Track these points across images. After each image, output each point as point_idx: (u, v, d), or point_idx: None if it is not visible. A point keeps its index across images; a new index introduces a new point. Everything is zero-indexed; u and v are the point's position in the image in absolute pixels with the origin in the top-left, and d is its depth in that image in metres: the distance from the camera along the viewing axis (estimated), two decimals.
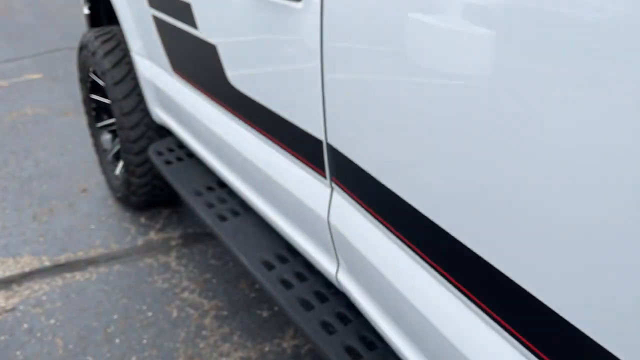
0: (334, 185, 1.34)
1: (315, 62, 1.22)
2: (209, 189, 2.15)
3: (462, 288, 0.96)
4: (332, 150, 1.28)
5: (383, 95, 1.05)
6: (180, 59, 2.07)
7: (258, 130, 1.62)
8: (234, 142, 1.78)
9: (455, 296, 0.99)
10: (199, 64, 1.91)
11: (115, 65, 2.56)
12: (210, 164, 2.06)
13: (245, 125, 1.69)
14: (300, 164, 1.45)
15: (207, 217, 1.93)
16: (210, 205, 2.01)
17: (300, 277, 1.64)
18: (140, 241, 2.76)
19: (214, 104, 1.87)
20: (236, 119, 1.74)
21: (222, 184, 2.18)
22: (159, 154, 2.42)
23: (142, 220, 2.92)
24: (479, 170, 0.84)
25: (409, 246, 1.10)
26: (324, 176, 1.35)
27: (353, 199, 1.28)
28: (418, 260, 1.08)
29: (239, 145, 1.75)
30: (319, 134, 1.30)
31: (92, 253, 2.67)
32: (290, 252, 1.74)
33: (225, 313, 2.31)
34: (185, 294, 2.41)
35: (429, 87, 0.92)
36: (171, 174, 2.25)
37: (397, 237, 1.13)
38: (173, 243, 2.75)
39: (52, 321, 2.27)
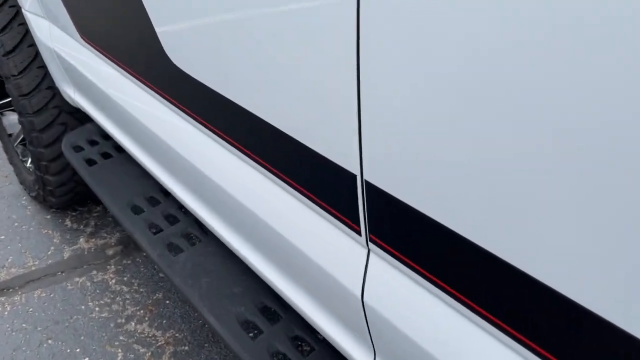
0: (372, 245, 0.74)
1: (345, 19, 0.59)
2: (151, 200, 1.49)
3: None
4: (373, 190, 0.68)
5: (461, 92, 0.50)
6: (89, 21, 1.34)
7: (237, 148, 0.95)
8: (187, 154, 1.10)
9: None
10: (117, 29, 1.20)
11: (4, 29, 1.78)
12: (152, 172, 1.38)
13: (211, 134, 1.00)
14: (315, 207, 0.82)
15: (151, 250, 1.29)
16: (155, 229, 1.36)
17: (299, 344, 1.07)
18: (66, 253, 2.08)
19: (149, 90, 1.18)
20: (191, 120, 1.05)
21: (168, 192, 1.52)
22: (77, 149, 1.71)
23: (68, 223, 2.22)
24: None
25: (501, 327, 0.61)
26: (358, 231, 0.74)
27: (404, 263, 0.70)
28: (511, 344, 0.61)
29: (198, 161, 1.07)
30: (349, 164, 0.69)
31: (4, 275, 1.98)
32: (279, 302, 1.15)
33: (186, 348, 1.72)
34: (132, 325, 1.79)
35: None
36: (95, 179, 1.56)
37: (483, 315, 0.63)
38: (110, 252, 2.09)
39: None
